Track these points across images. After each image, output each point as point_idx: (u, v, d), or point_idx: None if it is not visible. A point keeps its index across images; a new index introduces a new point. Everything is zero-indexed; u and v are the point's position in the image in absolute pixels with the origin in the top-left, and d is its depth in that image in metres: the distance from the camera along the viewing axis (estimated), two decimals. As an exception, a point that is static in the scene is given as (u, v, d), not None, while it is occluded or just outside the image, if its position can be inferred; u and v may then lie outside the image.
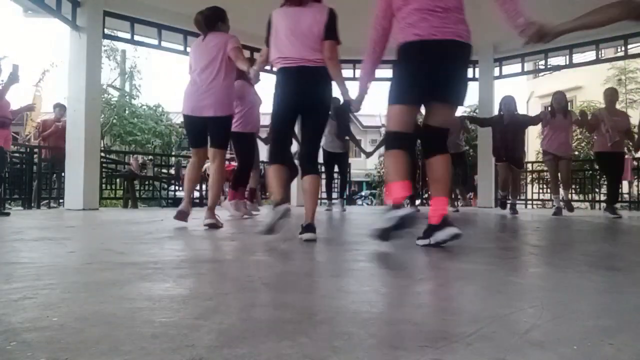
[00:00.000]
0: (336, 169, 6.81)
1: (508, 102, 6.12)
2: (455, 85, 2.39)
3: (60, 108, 8.10)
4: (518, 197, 6.45)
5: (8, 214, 4.83)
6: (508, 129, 6.00)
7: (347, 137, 6.63)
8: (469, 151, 10.10)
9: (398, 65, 2.39)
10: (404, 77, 2.37)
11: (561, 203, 6.21)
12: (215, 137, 3.59)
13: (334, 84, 2.85)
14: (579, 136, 13.40)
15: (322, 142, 6.45)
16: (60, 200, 7.01)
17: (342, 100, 5.29)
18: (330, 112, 3.09)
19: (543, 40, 2.19)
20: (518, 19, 2.19)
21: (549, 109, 6.15)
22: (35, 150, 7.49)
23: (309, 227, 2.63)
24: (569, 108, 6.15)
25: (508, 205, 6.27)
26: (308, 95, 2.73)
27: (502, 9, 2.24)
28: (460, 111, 7.71)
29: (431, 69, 2.30)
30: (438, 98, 2.38)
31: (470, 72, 8.76)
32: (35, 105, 7.68)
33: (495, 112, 6.59)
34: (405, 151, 2.40)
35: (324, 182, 6.53)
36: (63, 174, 6.63)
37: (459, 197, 7.51)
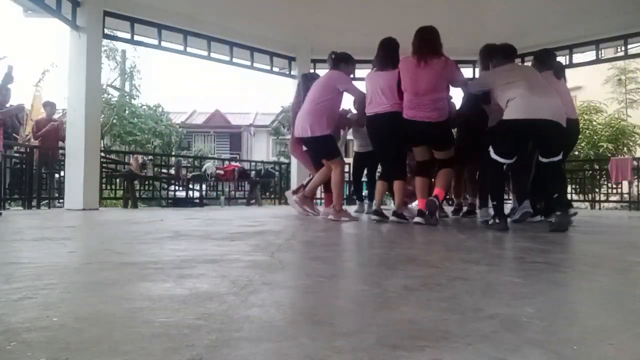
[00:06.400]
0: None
1: None
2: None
3: (51, 107, 8.06)
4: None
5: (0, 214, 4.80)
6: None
7: None
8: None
9: None
10: None
11: None
12: None
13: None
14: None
15: (355, 146, 6.37)
16: (61, 200, 7.01)
17: None
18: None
19: None
20: None
21: None
22: (35, 150, 7.49)
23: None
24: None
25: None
26: None
27: None
28: None
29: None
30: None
31: (470, 72, 8.94)
32: (24, 105, 7.67)
33: None
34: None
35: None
36: (62, 174, 6.61)
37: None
